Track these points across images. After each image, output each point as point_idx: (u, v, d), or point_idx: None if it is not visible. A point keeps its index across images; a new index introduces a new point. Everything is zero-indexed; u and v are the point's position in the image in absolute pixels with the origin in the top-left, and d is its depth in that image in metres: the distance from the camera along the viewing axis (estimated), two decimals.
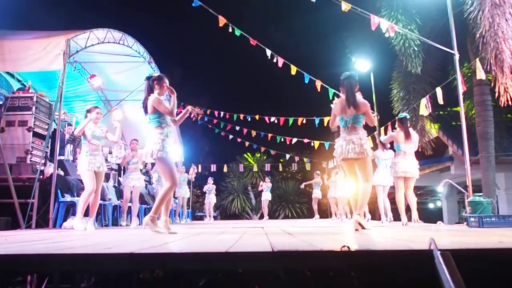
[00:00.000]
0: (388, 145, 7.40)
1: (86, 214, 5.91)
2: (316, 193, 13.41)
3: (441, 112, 13.93)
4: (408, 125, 6.50)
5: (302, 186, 15.21)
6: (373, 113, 12.93)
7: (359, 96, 4.28)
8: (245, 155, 24.29)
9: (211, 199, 13.92)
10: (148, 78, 4.46)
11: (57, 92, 6.97)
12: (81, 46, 7.77)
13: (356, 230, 4.03)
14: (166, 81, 4.45)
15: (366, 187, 4.25)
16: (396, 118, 6.82)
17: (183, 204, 11.79)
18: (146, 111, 4.36)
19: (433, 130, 13.64)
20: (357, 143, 4.16)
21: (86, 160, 5.74)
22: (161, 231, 4.14)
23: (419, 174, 6.47)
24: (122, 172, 9.63)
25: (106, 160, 8.29)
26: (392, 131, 8.61)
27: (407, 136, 6.33)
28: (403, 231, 4.14)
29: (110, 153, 10.14)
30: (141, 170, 8.64)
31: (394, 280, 1.97)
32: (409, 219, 6.62)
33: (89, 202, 5.80)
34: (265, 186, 14.84)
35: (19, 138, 7.14)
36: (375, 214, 11.30)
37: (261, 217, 18.25)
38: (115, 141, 6.42)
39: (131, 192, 7.81)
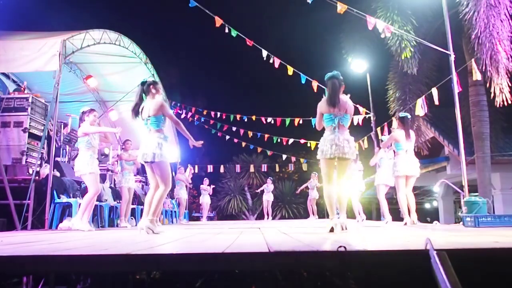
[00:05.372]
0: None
1: (70, 214, 6.01)
2: (313, 194, 13.39)
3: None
4: (409, 124, 6.46)
5: (298, 191, 15.30)
6: (368, 113, 13.14)
7: (347, 98, 4.27)
8: (241, 155, 24.27)
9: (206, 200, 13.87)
10: (143, 83, 4.51)
11: (52, 93, 6.94)
12: (77, 47, 7.73)
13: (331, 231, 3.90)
14: (160, 85, 4.67)
15: (343, 190, 4.24)
16: (397, 117, 6.81)
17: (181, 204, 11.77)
18: (135, 115, 4.47)
19: (428, 131, 13.68)
20: (349, 142, 4.14)
21: None
22: (161, 231, 4.19)
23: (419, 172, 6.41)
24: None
25: (100, 161, 8.27)
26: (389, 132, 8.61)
27: (408, 134, 6.32)
28: (399, 231, 4.14)
29: (103, 155, 10.09)
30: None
31: (390, 280, 1.97)
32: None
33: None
34: (267, 187, 14.78)
35: (15, 139, 7.10)
36: (372, 215, 11.31)
37: (258, 217, 18.21)
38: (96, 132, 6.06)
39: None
